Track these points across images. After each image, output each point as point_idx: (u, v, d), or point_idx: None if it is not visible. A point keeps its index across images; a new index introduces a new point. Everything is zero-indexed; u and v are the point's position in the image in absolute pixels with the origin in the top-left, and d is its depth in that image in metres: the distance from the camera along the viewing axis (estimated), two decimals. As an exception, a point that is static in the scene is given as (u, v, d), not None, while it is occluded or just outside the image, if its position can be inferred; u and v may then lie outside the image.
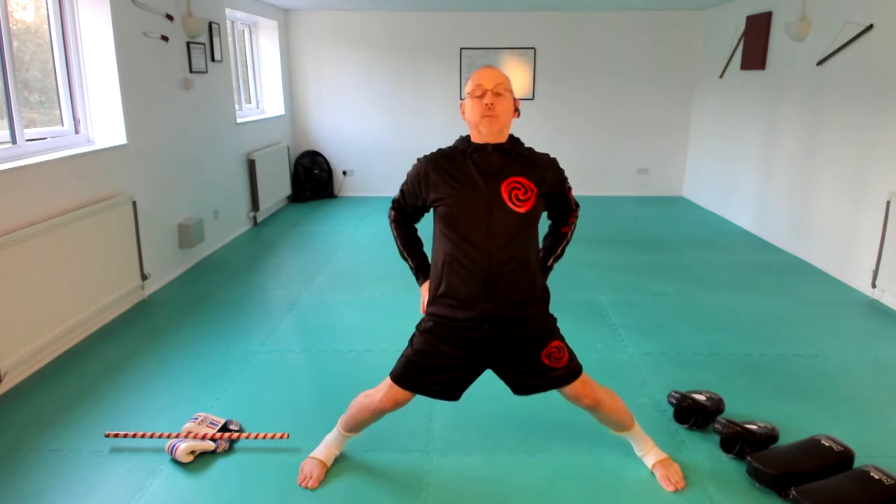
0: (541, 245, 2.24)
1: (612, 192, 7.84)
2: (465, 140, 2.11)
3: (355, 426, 2.33)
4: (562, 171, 2.15)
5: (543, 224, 2.15)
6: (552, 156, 2.15)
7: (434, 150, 2.14)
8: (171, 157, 4.66)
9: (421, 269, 2.27)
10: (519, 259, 2.02)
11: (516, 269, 2.02)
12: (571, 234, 2.28)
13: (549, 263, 2.26)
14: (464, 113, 2.10)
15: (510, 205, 2.00)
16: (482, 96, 2.02)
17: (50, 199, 3.35)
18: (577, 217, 2.28)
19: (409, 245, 2.30)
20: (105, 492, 2.26)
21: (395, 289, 4.39)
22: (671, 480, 2.27)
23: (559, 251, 2.27)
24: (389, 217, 2.31)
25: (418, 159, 2.15)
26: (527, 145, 2.13)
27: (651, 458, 2.35)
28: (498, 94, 2.02)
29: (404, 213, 2.26)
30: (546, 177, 2.08)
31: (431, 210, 2.16)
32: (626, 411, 2.33)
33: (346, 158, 7.82)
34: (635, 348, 3.44)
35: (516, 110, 2.10)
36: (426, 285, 2.22)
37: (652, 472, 2.34)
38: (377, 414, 2.23)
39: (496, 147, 2.04)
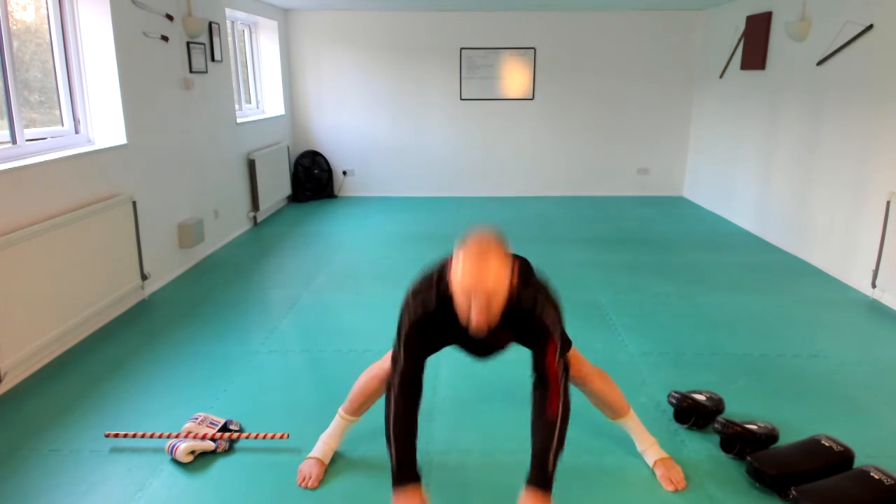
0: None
1: (612, 192, 7.84)
2: (449, 307, 1.77)
3: (361, 404, 2.32)
4: (550, 326, 1.85)
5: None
6: (554, 304, 1.90)
7: (427, 291, 1.88)
8: (171, 157, 4.65)
9: (402, 468, 1.89)
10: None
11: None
12: (562, 425, 1.82)
13: (549, 471, 1.82)
14: (451, 277, 1.74)
15: (493, 347, 2.02)
16: (468, 299, 1.69)
17: (50, 199, 3.35)
18: (561, 401, 1.82)
19: (401, 429, 1.92)
20: (105, 492, 2.26)
21: (395, 289, 4.38)
22: (672, 480, 2.27)
23: (553, 450, 1.82)
24: (391, 391, 1.94)
25: (411, 311, 1.89)
26: (531, 288, 1.86)
27: (651, 456, 2.36)
28: (488, 305, 1.69)
29: (413, 377, 1.94)
30: (528, 330, 1.88)
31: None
32: (620, 395, 2.34)
33: (346, 158, 7.81)
34: (635, 348, 3.44)
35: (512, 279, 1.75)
36: (409, 493, 1.86)
37: (652, 471, 2.34)
38: (385, 381, 2.22)
39: (487, 336, 1.82)
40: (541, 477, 1.83)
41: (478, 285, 1.67)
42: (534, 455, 1.85)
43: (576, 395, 2.45)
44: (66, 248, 3.39)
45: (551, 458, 1.82)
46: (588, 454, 2.47)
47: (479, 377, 3.05)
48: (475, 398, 2.87)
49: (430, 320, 1.87)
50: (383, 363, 2.24)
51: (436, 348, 2.01)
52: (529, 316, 1.85)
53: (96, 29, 3.90)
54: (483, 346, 2.01)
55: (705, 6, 7.00)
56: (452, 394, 2.92)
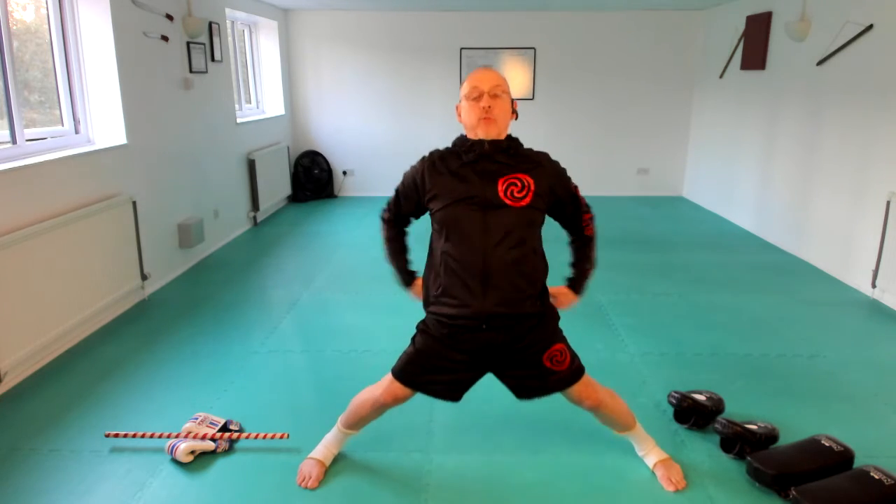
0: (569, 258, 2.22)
1: (612, 192, 7.84)
2: (461, 139, 2.07)
3: (356, 422, 2.32)
4: (564, 172, 2.09)
5: (551, 230, 2.15)
6: (553, 158, 2.10)
7: (432, 149, 2.12)
8: (171, 157, 4.65)
9: (402, 274, 2.36)
10: (517, 256, 1.96)
11: (513, 266, 1.96)
12: (595, 240, 2.20)
13: (585, 272, 2.20)
14: (460, 115, 2.07)
15: (507, 200, 1.95)
16: (479, 98, 1.98)
17: (50, 199, 3.35)
18: (593, 220, 2.18)
19: (394, 250, 2.36)
20: (105, 492, 2.26)
21: (395, 289, 4.36)
22: (672, 480, 2.27)
23: (591, 259, 2.21)
24: (382, 217, 2.35)
25: (412, 167, 2.14)
26: (526, 146, 2.09)
27: (652, 458, 2.35)
28: (495, 97, 1.98)
29: (398, 215, 2.28)
30: (545, 177, 2.02)
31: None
32: (628, 411, 2.33)
33: (346, 158, 7.82)
34: (635, 348, 3.44)
35: (514, 112, 2.07)
36: (415, 286, 2.32)
37: (653, 472, 2.34)
38: (378, 409, 2.24)
39: (493, 143, 1.98)
40: (577, 282, 2.22)
41: (484, 75, 2.00)
42: (573, 265, 2.23)
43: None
44: (66, 248, 3.39)
45: (589, 268, 2.21)
46: (588, 454, 2.47)
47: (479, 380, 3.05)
48: (475, 398, 2.87)
49: (433, 162, 2.07)
50: (377, 388, 2.22)
51: (434, 193, 2.05)
52: (540, 160, 2.05)
53: (96, 29, 3.90)
54: (489, 190, 1.96)
55: (705, 6, 7.00)
56: (452, 394, 2.92)
